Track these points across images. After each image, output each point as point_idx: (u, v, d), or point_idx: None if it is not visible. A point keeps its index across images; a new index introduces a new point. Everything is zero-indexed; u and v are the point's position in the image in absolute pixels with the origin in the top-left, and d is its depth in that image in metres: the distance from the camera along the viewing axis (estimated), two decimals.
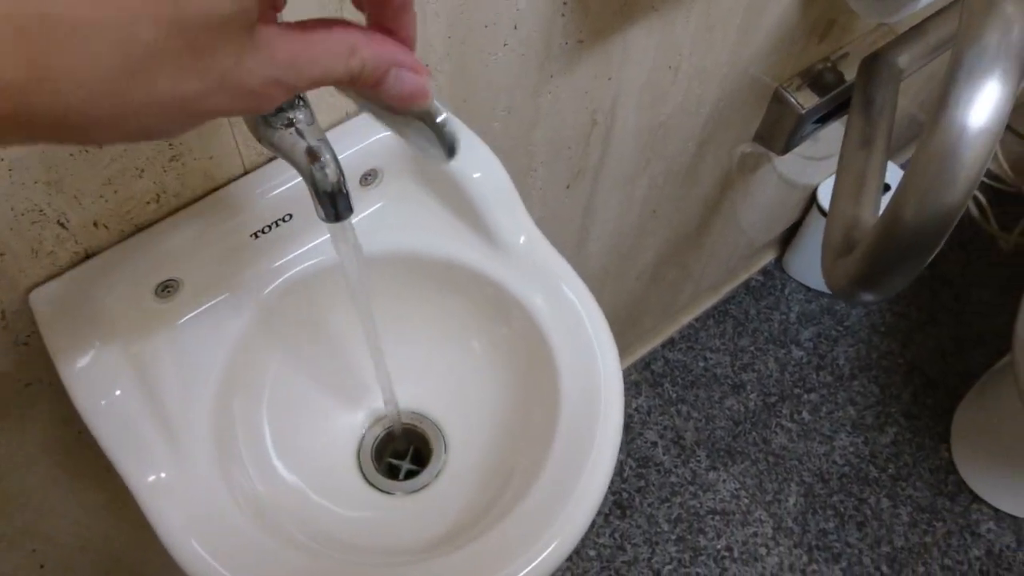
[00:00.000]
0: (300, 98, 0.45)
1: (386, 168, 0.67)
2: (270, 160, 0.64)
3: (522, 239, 0.67)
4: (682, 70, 0.98)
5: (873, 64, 1.04)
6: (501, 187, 0.66)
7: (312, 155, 0.44)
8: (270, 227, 0.63)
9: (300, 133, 0.45)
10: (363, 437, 0.73)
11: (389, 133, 0.65)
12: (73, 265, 0.59)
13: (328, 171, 0.45)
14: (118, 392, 0.55)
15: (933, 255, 0.71)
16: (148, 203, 0.59)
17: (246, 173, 0.63)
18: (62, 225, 0.56)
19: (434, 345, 0.72)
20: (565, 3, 0.75)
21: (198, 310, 0.62)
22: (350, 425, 0.72)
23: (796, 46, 1.16)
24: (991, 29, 0.65)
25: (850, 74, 1.28)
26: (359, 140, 0.65)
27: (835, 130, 1.48)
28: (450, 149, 0.38)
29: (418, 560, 0.57)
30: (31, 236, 0.55)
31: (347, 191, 0.47)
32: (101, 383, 0.55)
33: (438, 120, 0.36)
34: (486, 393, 0.70)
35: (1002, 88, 0.65)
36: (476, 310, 0.69)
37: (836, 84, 1.26)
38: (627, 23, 0.83)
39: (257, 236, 0.63)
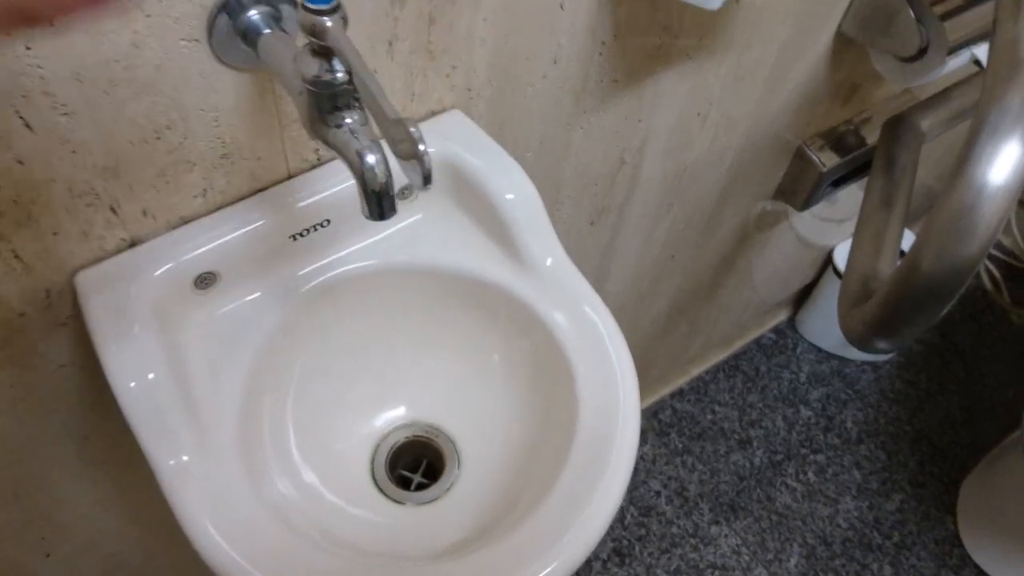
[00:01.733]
0: (356, 99, 0.48)
1: None
2: (313, 167, 0.67)
3: (549, 261, 0.69)
4: (710, 118, 1.01)
5: (896, 126, 1.07)
6: (533, 210, 0.68)
7: (363, 155, 0.47)
8: (308, 231, 0.66)
9: (353, 133, 0.47)
10: (378, 445, 0.74)
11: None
12: (119, 251, 0.61)
13: (377, 171, 0.47)
14: (151, 375, 0.57)
15: (948, 307, 0.73)
16: (195, 197, 0.62)
17: (290, 177, 0.66)
18: (113, 211, 0.58)
19: (456, 359, 0.74)
20: (603, 43, 0.78)
21: (234, 304, 0.64)
22: (368, 432, 0.73)
23: (820, 107, 1.19)
24: (1015, 91, 0.68)
25: (871, 137, 1.31)
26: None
27: (853, 192, 1.51)
28: (425, 177, 0.41)
29: (422, 566, 0.57)
30: (83, 219, 0.57)
31: (393, 193, 0.49)
32: (136, 365, 0.57)
33: (418, 149, 0.39)
34: (503, 410, 0.72)
35: (1023, 148, 0.67)
36: (499, 327, 0.71)
37: (857, 146, 1.30)
38: (661, 67, 0.86)
39: (296, 239, 0.65)
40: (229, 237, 0.63)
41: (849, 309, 0.85)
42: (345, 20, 0.45)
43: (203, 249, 0.62)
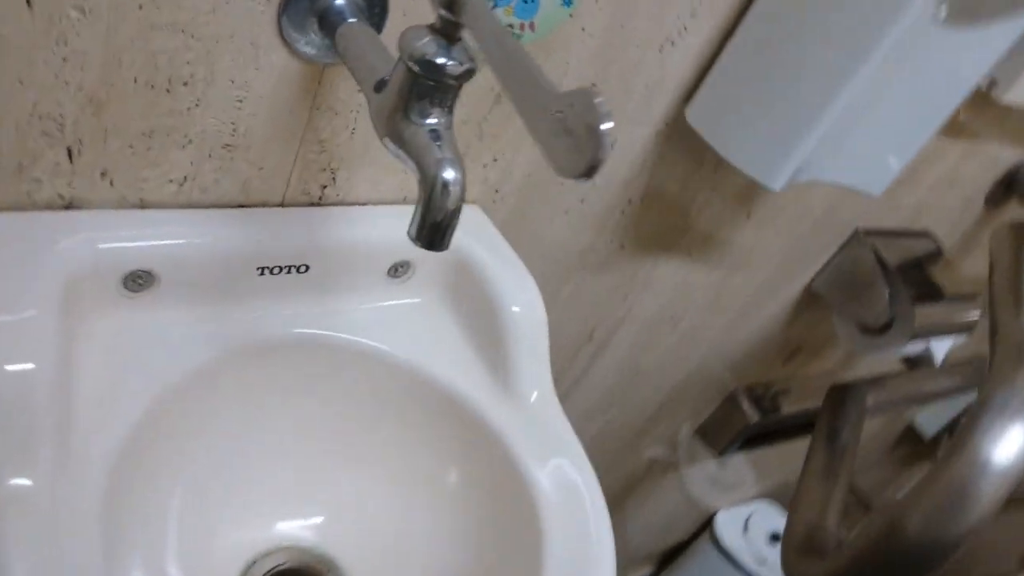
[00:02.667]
0: (454, 102, 0.40)
1: (420, 264, 0.60)
2: (312, 204, 0.57)
3: (535, 395, 0.59)
4: (681, 326, 0.98)
5: (843, 396, 1.07)
6: (536, 331, 0.60)
7: (442, 167, 0.38)
8: (281, 270, 0.54)
9: (437, 138, 0.39)
10: (253, 562, 0.58)
11: None
12: (49, 207, 0.48)
13: (451, 192, 0.38)
14: (31, 365, 0.42)
15: None
16: (170, 182, 0.50)
17: (282, 205, 0.56)
18: (70, 155, 0.46)
19: (394, 483, 0.60)
20: (630, 201, 0.74)
21: (162, 322, 0.51)
22: (251, 540, 0.57)
23: (767, 357, 1.19)
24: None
25: (789, 406, 1.32)
26: (398, 226, 0.58)
27: (751, 458, 1.50)
28: (591, 164, 0.31)
29: None
30: (30, 149, 0.44)
31: (455, 225, 0.40)
32: (18, 345, 0.42)
33: (600, 123, 0.30)
34: (434, 559, 0.58)
35: None
36: (461, 461, 0.59)
37: (774, 409, 1.29)
38: (665, 252, 0.83)
39: (264, 273, 0.54)
40: (187, 242, 0.51)
41: (797, 557, 0.78)
42: None
43: (151, 243, 0.50)
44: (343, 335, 0.57)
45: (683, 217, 0.80)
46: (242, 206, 0.54)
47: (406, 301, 0.61)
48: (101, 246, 0.48)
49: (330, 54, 0.48)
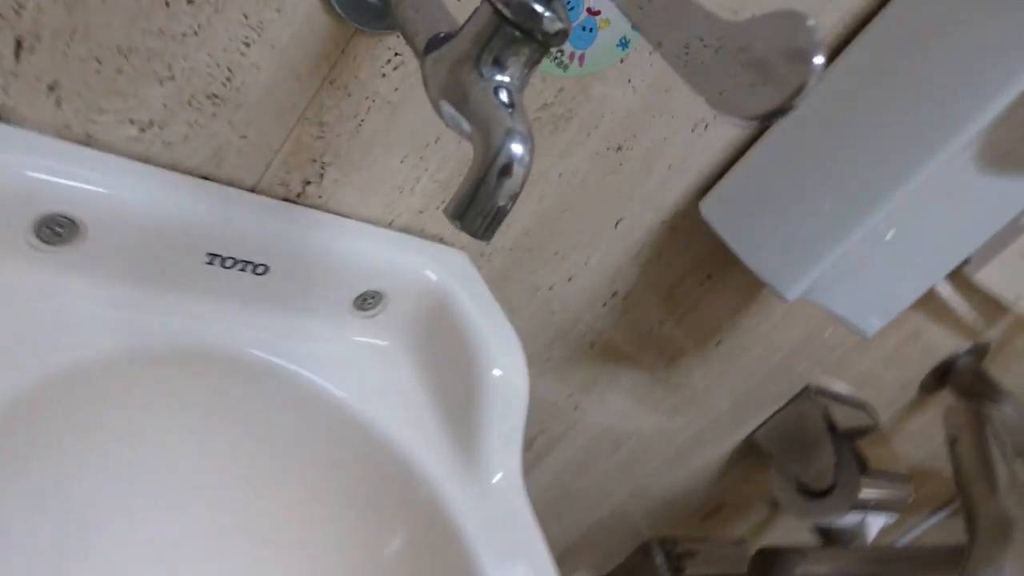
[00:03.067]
0: (533, 59, 0.32)
1: (393, 299, 0.51)
2: (285, 199, 0.48)
3: (499, 476, 0.50)
4: (619, 453, 0.90)
5: (773, 562, 0.99)
6: (514, 403, 0.51)
7: (511, 138, 0.30)
8: (235, 263, 0.44)
9: (508, 101, 0.32)
10: None
11: (412, 257, 0.51)
12: None
13: (517, 170, 0.31)
14: None
15: None
16: (131, 123, 0.40)
17: (252, 190, 0.46)
18: (18, 49, 0.36)
19: (306, 558, 0.48)
20: (615, 294, 0.68)
21: (71, 287, 0.40)
22: None
23: (687, 509, 1.12)
24: (1008, 556, 0.62)
25: (700, 568, 1.24)
26: (376, 251, 0.50)
27: None
28: (796, 89, 0.23)
29: None
30: None
31: (508, 213, 0.32)
32: None
33: (814, 48, 0.22)
34: None
35: None
36: (402, 542, 0.48)
37: (682, 571, 1.21)
38: (628, 366, 0.77)
39: (212, 262, 0.44)
40: (131, 196, 0.40)
41: None
42: None
43: (88, 186, 0.39)
44: (291, 366, 0.47)
45: (659, 326, 0.74)
46: (207, 179, 0.44)
47: (370, 341, 0.51)
48: (29, 173, 0.37)
49: (367, 17, 0.41)
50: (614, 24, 0.48)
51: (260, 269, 0.45)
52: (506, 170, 0.31)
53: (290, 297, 0.47)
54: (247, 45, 0.40)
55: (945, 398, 1.18)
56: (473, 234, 0.32)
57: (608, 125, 0.54)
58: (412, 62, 0.44)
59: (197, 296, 0.44)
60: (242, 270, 0.45)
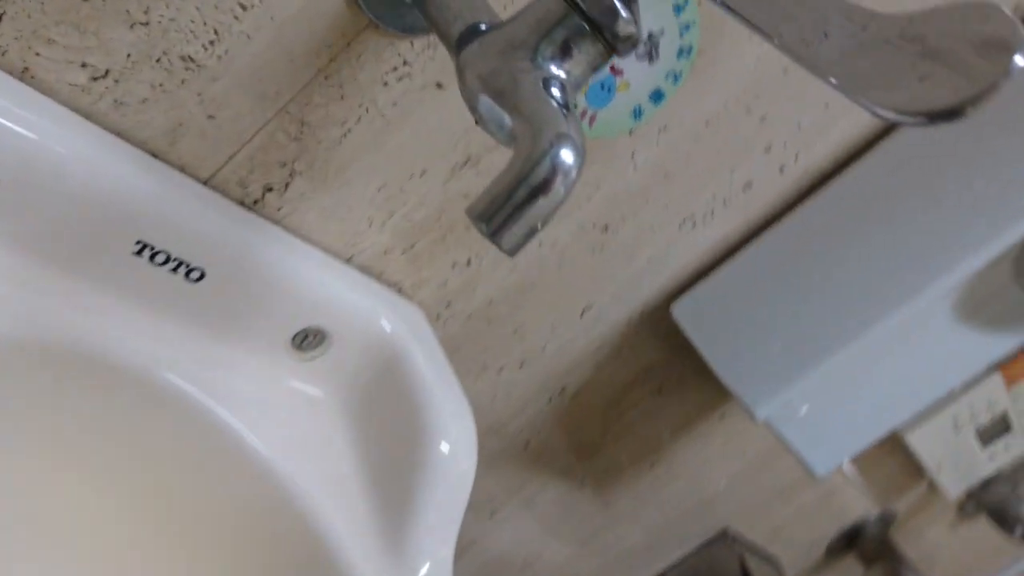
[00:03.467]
0: (596, 61, 0.28)
1: (336, 342, 0.44)
2: (241, 202, 0.41)
3: (425, 569, 0.42)
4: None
5: None
6: (458, 483, 0.44)
7: (560, 144, 0.25)
8: (167, 260, 0.37)
9: (565, 101, 0.27)
10: None
11: (367, 301, 0.45)
12: None
13: (555, 188, 0.25)
14: None
15: None
16: (81, 67, 0.34)
17: (204, 184, 0.39)
18: None
19: None
20: (563, 391, 0.63)
21: None
22: None
23: None
24: None
25: None
26: (329, 285, 0.43)
27: None
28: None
29: None
30: None
31: (541, 227, 0.26)
32: None
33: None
34: None
35: None
36: None
37: None
38: (559, 473, 0.70)
39: (141, 252, 0.36)
40: (66, 151, 0.33)
41: None
42: None
43: (11, 125, 0.32)
44: (207, 400, 0.39)
45: (600, 435, 0.68)
46: (155, 156, 0.37)
47: (304, 388, 0.44)
48: None
49: (387, 13, 0.36)
50: (633, 89, 0.45)
51: (195, 274, 0.38)
52: (550, 178, 0.26)
53: (222, 316, 0.40)
54: (244, 8, 0.34)
55: (850, 565, 1.15)
56: (499, 242, 0.26)
57: (600, 200, 0.50)
58: (418, 76, 0.40)
59: (114, 290, 0.36)
60: (174, 270, 0.37)
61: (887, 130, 0.55)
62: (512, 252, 0.27)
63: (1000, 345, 0.60)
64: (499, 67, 0.28)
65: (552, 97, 0.27)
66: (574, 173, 0.27)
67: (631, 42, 0.28)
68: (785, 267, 0.56)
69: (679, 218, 0.54)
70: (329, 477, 0.42)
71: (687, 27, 0.44)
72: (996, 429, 0.89)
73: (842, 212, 0.56)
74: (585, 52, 0.28)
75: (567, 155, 0.26)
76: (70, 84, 0.34)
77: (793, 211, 0.56)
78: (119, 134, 0.36)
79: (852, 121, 0.54)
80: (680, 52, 0.45)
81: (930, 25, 0.20)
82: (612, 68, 0.44)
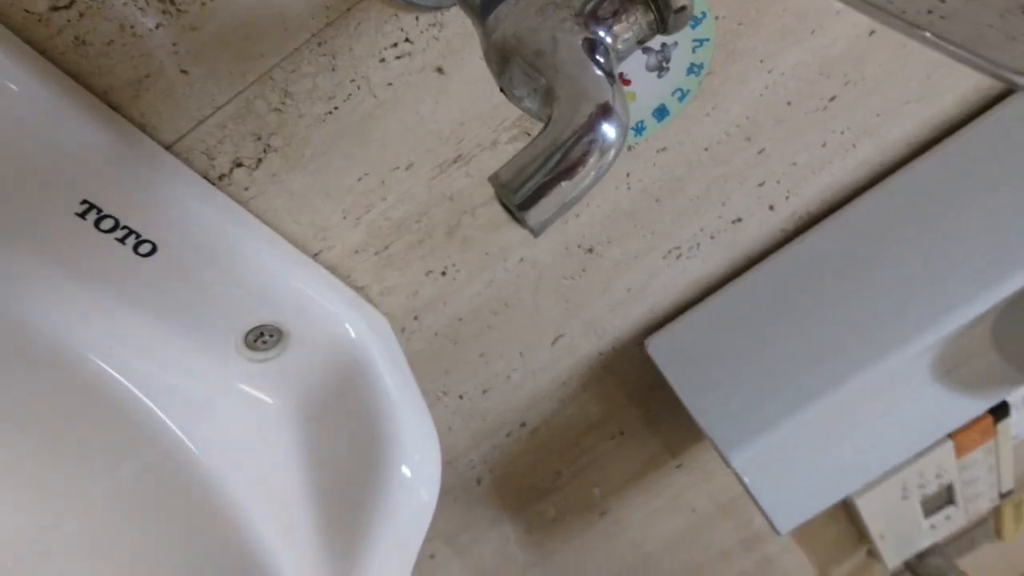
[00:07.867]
0: (644, 33, 0.25)
1: (294, 343, 0.39)
2: (206, 176, 0.36)
3: None
4: None
5: None
6: (418, 513, 0.39)
7: (604, 117, 0.22)
8: (115, 227, 0.32)
9: (610, 68, 0.24)
10: None
11: (332, 302, 0.40)
12: None
13: (591, 161, 0.22)
14: None
15: None
16: (58, 9, 0.29)
17: (167, 149, 0.35)
18: None
19: None
20: (523, 425, 0.59)
21: None
22: None
23: None
24: None
25: None
26: (291, 279, 0.39)
27: None
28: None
29: None
30: None
31: (572, 206, 0.23)
32: None
33: None
34: None
35: None
36: None
37: None
38: (513, 509, 0.66)
39: (86, 215, 0.31)
40: (15, 91, 0.28)
41: None
42: None
43: None
44: (142, 396, 0.34)
45: (555, 476, 0.64)
46: (115, 109, 0.33)
47: (254, 394, 0.39)
48: None
49: None
50: (639, 102, 0.43)
51: (145, 248, 0.33)
52: (588, 151, 0.23)
53: (169, 300, 0.35)
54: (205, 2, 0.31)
55: None
56: (524, 216, 0.23)
57: (588, 219, 0.47)
58: (418, 57, 0.36)
59: (48, 254, 0.31)
60: (121, 240, 0.32)
61: (877, 178, 0.54)
62: (538, 230, 0.23)
63: (973, 408, 0.59)
64: (538, 25, 0.24)
65: (596, 63, 0.24)
66: (613, 152, 0.23)
67: (683, 17, 0.25)
68: (767, 310, 0.54)
69: (665, 247, 0.51)
70: (274, 497, 0.37)
71: (700, 43, 0.42)
72: (940, 500, 0.88)
73: (827, 258, 0.54)
74: (633, 23, 0.25)
75: (610, 129, 0.23)
76: (26, 11, 0.29)
77: (778, 252, 0.55)
78: (76, 77, 0.31)
79: (844, 165, 0.52)
80: (690, 69, 0.42)
81: None
82: (620, 75, 0.42)
